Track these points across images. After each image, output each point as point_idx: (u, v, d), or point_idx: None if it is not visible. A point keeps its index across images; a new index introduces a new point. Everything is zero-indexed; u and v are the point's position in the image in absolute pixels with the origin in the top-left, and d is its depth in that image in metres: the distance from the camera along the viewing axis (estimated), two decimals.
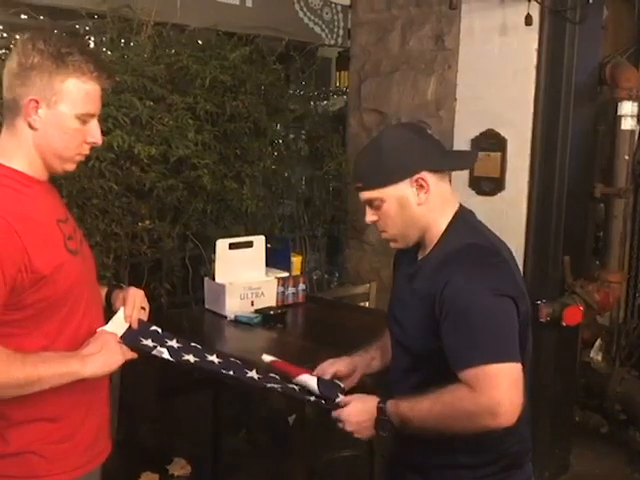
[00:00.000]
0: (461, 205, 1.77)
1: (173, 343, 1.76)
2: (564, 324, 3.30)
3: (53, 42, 1.57)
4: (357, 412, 1.71)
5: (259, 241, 2.87)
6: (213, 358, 1.79)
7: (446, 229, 1.70)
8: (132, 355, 1.69)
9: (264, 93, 3.41)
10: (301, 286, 2.95)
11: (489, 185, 3.49)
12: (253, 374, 1.82)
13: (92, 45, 3.16)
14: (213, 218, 3.15)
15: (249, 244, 2.84)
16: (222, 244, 2.75)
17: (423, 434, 1.62)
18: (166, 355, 1.74)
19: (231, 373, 1.80)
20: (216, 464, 2.55)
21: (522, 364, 1.62)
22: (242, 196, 3.16)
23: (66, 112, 1.58)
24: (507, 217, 3.45)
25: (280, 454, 2.44)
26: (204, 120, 3.04)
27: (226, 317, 2.71)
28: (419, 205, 1.69)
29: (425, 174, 1.67)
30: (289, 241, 3.13)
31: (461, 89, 3.61)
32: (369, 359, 1.97)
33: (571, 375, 3.70)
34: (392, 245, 1.79)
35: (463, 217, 1.74)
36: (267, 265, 2.92)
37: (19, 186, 1.57)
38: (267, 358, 1.94)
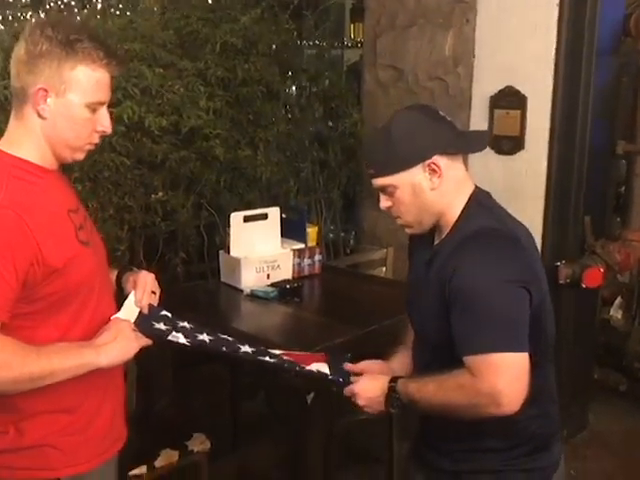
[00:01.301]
0: (476, 187, 1.72)
1: (185, 324, 1.75)
2: (584, 286, 3.26)
3: (62, 28, 1.52)
4: (369, 387, 1.73)
5: (274, 213, 2.83)
6: (226, 336, 1.79)
7: (461, 213, 1.67)
8: (147, 341, 1.68)
9: (276, 54, 3.32)
10: (317, 257, 2.92)
11: (508, 144, 3.40)
12: (267, 358, 1.81)
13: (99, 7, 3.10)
14: (227, 186, 3.10)
15: (264, 216, 2.81)
16: (236, 217, 2.71)
17: (449, 419, 1.61)
18: (182, 340, 1.72)
19: (247, 349, 1.79)
20: (235, 437, 2.58)
21: (542, 350, 1.60)
22: (256, 162, 3.10)
23: (76, 101, 1.54)
24: (527, 176, 3.39)
25: (298, 419, 2.45)
26: (215, 86, 2.97)
27: (242, 291, 2.69)
28: (432, 190, 1.65)
29: (437, 158, 1.63)
30: (304, 211, 3.08)
31: (479, 45, 3.49)
32: (405, 363, 1.90)
33: (590, 334, 3.68)
34: (408, 231, 1.75)
35: (478, 199, 1.70)
36: (282, 236, 2.88)
37: (29, 176, 1.54)
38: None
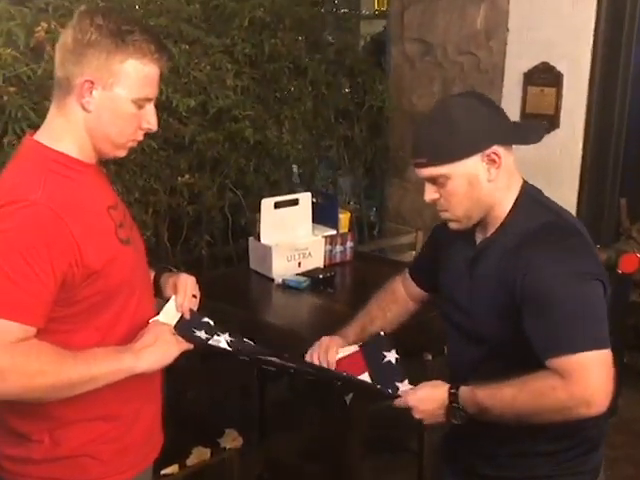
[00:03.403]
0: (524, 180, 1.64)
1: (226, 337, 1.67)
2: (619, 272, 3.17)
3: (113, 18, 1.43)
4: (427, 399, 1.61)
5: (305, 198, 2.74)
6: (268, 358, 1.70)
7: (512, 207, 1.58)
8: (188, 346, 1.60)
9: (302, 27, 3.19)
10: (349, 244, 2.82)
11: (542, 122, 3.29)
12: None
13: None
14: (255, 165, 3.00)
15: (295, 202, 2.71)
16: (267, 203, 2.62)
17: (499, 422, 1.54)
18: (223, 344, 1.65)
19: (290, 364, 1.71)
20: (262, 426, 2.52)
21: None
22: (282, 141, 3.00)
23: (123, 95, 1.44)
24: (561, 157, 3.29)
25: (324, 404, 2.39)
26: (242, 63, 2.86)
27: (273, 280, 2.61)
28: (489, 182, 1.55)
29: (497, 148, 1.53)
30: (336, 198, 2.98)
31: (514, 18, 3.36)
32: (363, 325, 1.91)
33: (621, 318, 3.59)
34: (453, 226, 1.64)
35: (529, 194, 1.62)
36: (313, 221, 2.79)
37: (69, 172, 1.45)
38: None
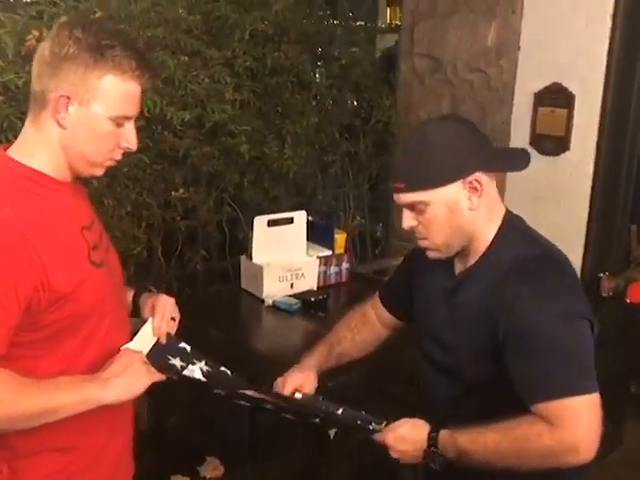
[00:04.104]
0: (508, 209, 1.58)
1: (202, 365, 1.59)
2: (628, 301, 3.07)
3: (93, 31, 1.37)
4: (406, 439, 1.54)
5: (300, 217, 2.66)
6: (245, 391, 1.62)
7: (495, 237, 1.52)
8: (160, 377, 1.53)
9: (309, 41, 3.11)
10: (344, 265, 2.74)
11: (552, 144, 3.20)
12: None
13: None
14: (252, 180, 2.93)
15: (289, 220, 2.63)
16: (260, 221, 2.54)
17: (480, 468, 1.45)
18: (198, 374, 1.57)
19: (268, 399, 1.64)
20: (251, 451, 2.43)
21: None
22: (283, 156, 2.92)
23: (100, 112, 1.38)
24: (571, 180, 3.19)
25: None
26: (243, 76, 2.78)
27: (263, 301, 2.53)
28: (470, 210, 1.49)
29: (479, 175, 1.47)
30: (333, 217, 2.90)
31: (525, 36, 3.27)
32: (330, 345, 1.84)
33: (629, 347, 3.49)
34: (432, 255, 1.56)
35: (513, 224, 1.56)
36: (308, 239, 2.71)
37: (40, 189, 1.39)
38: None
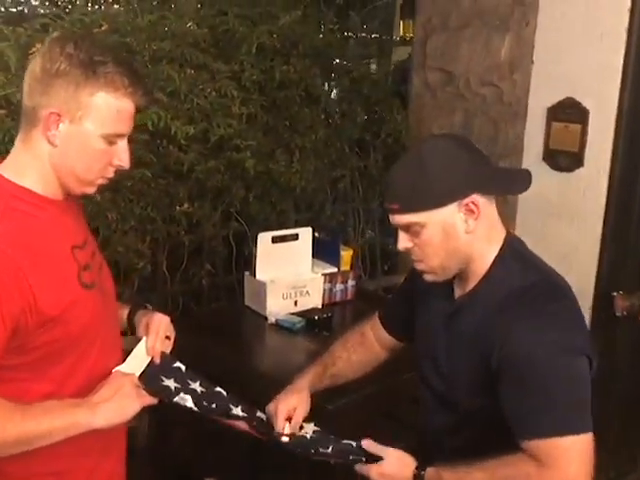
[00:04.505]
0: (509, 232, 1.53)
1: (196, 386, 1.55)
2: None
3: (86, 47, 1.34)
4: (391, 475, 1.50)
5: (306, 233, 2.61)
6: (238, 411, 1.58)
7: (494, 261, 1.48)
8: (151, 400, 1.50)
9: (318, 55, 3.08)
10: (350, 282, 2.69)
11: (566, 160, 3.13)
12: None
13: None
14: (258, 195, 2.89)
15: (294, 237, 2.59)
16: (263, 238, 2.50)
17: None
18: (190, 403, 1.54)
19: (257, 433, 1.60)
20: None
21: None
22: (291, 171, 2.88)
23: (91, 130, 1.36)
24: (584, 196, 3.12)
25: None
26: (250, 89, 2.75)
27: (266, 319, 2.49)
28: (467, 233, 1.44)
29: (476, 197, 1.42)
30: (339, 235, 2.85)
31: (539, 50, 3.21)
32: (325, 365, 1.80)
33: None
34: (428, 278, 1.52)
35: (513, 247, 1.51)
36: (313, 256, 2.66)
37: (30, 208, 1.37)
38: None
